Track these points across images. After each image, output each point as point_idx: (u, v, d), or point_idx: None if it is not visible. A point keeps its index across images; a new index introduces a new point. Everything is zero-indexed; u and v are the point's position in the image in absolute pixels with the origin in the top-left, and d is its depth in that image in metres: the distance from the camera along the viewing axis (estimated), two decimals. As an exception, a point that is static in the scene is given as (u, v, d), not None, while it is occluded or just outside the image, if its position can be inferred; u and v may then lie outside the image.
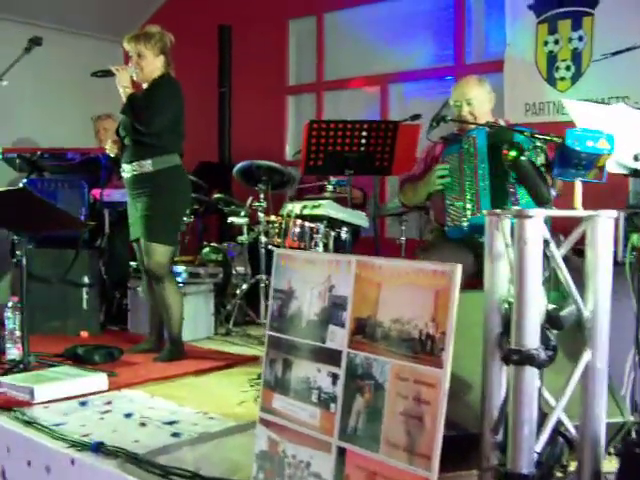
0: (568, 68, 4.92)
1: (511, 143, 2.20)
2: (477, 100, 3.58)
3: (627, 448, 2.02)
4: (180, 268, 4.67)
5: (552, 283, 1.94)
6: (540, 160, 2.37)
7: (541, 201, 2.14)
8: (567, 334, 1.96)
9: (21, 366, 3.47)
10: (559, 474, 1.97)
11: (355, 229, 4.12)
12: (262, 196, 4.83)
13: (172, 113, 3.85)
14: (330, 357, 2.00)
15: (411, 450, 1.78)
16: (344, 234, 3.73)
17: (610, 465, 2.10)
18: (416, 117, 4.59)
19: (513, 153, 2.13)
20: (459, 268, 1.74)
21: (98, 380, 3.33)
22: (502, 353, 1.90)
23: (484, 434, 1.96)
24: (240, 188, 5.44)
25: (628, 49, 3.50)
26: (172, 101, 3.87)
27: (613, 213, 1.92)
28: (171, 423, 2.84)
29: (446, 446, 1.73)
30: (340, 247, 3.86)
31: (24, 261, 3.55)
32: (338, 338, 1.98)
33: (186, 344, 4.15)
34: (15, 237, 3.64)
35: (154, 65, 3.88)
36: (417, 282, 1.82)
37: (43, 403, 3.07)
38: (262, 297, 4.81)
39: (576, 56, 4.87)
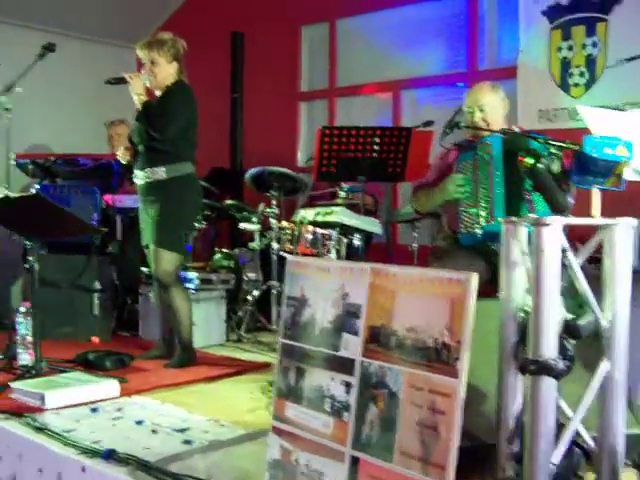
0: (582, 74, 4.89)
1: (528, 150, 2.18)
2: (490, 106, 3.55)
3: (646, 460, 2.00)
4: (192, 274, 4.66)
5: (569, 292, 1.91)
6: (556, 167, 2.34)
7: (558, 208, 2.12)
8: (583, 343, 1.93)
9: (33, 372, 3.47)
10: (576, 486, 1.94)
11: (367, 236, 4.10)
12: (274, 202, 4.82)
13: (186, 120, 3.85)
14: (343, 365, 1.97)
15: (425, 460, 1.75)
16: (357, 241, 3.72)
17: (628, 477, 2.06)
18: (429, 123, 4.58)
19: (530, 160, 2.10)
20: (475, 277, 1.71)
21: (109, 386, 3.32)
22: (518, 363, 1.88)
23: (499, 444, 1.94)
24: (251, 194, 5.44)
25: (642, 55, 3.48)
26: (186, 108, 3.86)
27: (633, 221, 1.89)
28: (182, 430, 2.83)
29: (460, 456, 1.71)
30: (353, 254, 3.84)
31: (36, 266, 3.54)
32: (352, 346, 1.96)
33: (197, 351, 4.13)
34: (27, 242, 3.64)
35: (167, 72, 3.87)
36: (432, 290, 1.80)
37: (54, 409, 3.06)
38: (274, 303, 4.80)
39: (590, 62, 4.84)
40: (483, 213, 3.34)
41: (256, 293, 4.94)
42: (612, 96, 4.64)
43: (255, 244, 4.99)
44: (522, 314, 1.90)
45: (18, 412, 2.98)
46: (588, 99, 4.79)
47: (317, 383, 2.05)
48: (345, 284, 2.01)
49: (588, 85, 4.87)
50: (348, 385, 1.96)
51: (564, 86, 4.97)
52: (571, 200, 2.14)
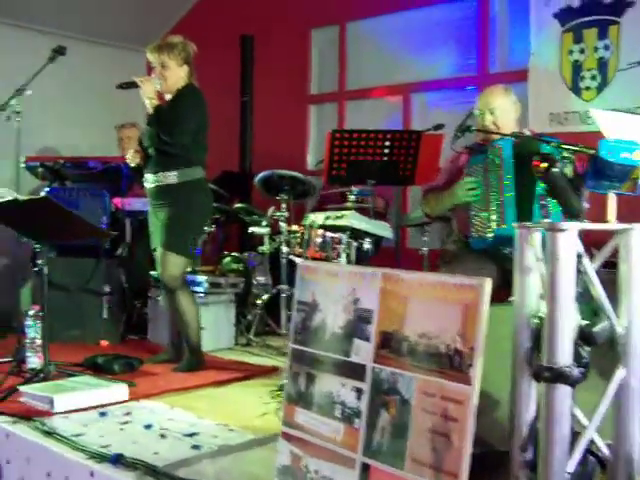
0: (594, 77, 4.85)
1: (542, 154, 2.15)
2: (501, 110, 3.53)
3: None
4: (201, 278, 4.65)
5: (583, 298, 1.88)
6: (568, 171, 2.32)
7: (573, 213, 2.08)
8: (598, 349, 1.91)
9: (41, 375, 3.46)
10: (590, 495, 1.91)
11: (377, 239, 4.07)
12: (284, 206, 4.80)
13: (197, 124, 3.85)
14: (354, 371, 1.96)
15: (437, 467, 1.73)
16: (367, 245, 3.69)
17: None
18: (439, 127, 4.55)
19: (544, 164, 2.07)
20: (488, 282, 1.69)
21: (118, 390, 3.31)
22: (532, 369, 1.85)
23: (513, 452, 1.91)
24: (261, 197, 5.43)
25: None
26: (197, 112, 3.86)
27: (650, 226, 1.87)
28: (191, 435, 2.81)
29: (472, 463, 1.68)
30: (362, 258, 3.81)
31: (45, 270, 3.54)
32: (363, 352, 1.94)
33: (206, 354, 4.12)
34: (36, 246, 3.64)
35: (178, 75, 3.87)
36: (445, 296, 1.77)
37: (63, 413, 3.05)
38: (283, 307, 4.78)
39: (602, 65, 4.81)
40: (494, 217, 3.32)
41: (265, 297, 4.93)
42: (624, 99, 4.61)
43: (264, 248, 4.98)
44: (536, 320, 1.88)
45: (27, 416, 2.97)
46: (600, 102, 4.75)
47: (327, 389, 2.03)
48: (356, 289, 2.00)
49: (600, 88, 4.83)
50: (359, 391, 1.94)
51: (575, 89, 4.94)
52: (586, 205, 2.12)
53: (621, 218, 1.99)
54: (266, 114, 6.51)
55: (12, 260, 4.98)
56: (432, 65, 5.83)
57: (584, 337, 1.80)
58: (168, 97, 3.92)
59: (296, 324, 2.16)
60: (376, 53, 6.14)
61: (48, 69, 3.92)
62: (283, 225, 4.63)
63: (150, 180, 3.91)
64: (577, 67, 4.93)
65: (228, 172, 6.28)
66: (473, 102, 3.72)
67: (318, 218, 3.61)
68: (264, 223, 4.94)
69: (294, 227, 3.87)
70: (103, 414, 3.09)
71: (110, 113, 6.29)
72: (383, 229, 3.81)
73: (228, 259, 5.27)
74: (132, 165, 4.00)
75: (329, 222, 3.56)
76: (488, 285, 1.69)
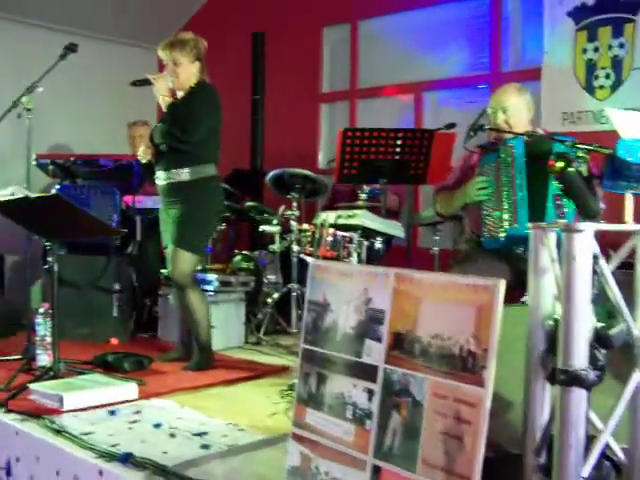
0: (608, 76, 4.80)
1: (558, 153, 2.12)
2: (513, 108, 3.50)
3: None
4: (211, 276, 4.64)
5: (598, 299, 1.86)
6: (583, 171, 2.28)
7: (590, 214, 2.05)
8: (613, 352, 1.88)
9: (51, 373, 3.45)
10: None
11: (388, 238, 4.05)
12: (295, 204, 4.79)
13: (211, 122, 3.83)
14: (366, 372, 1.94)
15: (449, 470, 1.71)
16: (378, 244, 3.67)
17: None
18: (451, 126, 4.51)
19: (560, 164, 2.04)
20: (503, 283, 1.67)
21: (128, 389, 3.30)
22: (546, 372, 1.82)
23: (526, 456, 1.89)
24: (272, 196, 5.41)
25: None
26: (211, 109, 3.85)
27: (667, 227, 1.83)
28: (200, 434, 2.80)
29: (484, 467, 1.66)
30: (373, 257, 3.79)
31: (55, 267, 3.54)
32: (374, 353, 1.92)
33: (216, 353, 4.11)
34: (47, 243, 3.63)
35: (190, 72, 3.86)
36: (458, 297, 1.75)
37: (72, 411, 3.04)
38: (293, 306, 4.77)
39: (616, 64, 4.76)
40: (506, 216, 3.29)
41: (276, 296, 4.92)
42: (639, 98, 4.55)
43: (275, 246, 4.97)
44: (550, 322, 1.85)
45: (36, 414, 2.97)
46: (614, 101, 4.70)
47: (338, 390, 2.01)
48: (368, 289, 1.97)
49: (614, 87, 4.78)
50: (370, 392, 1.92)
51: (589, 88, 4.89)
52: (602, 205, 2.08)
53: (638, 219, 1.95)
54: (277, 112, 6.50)
55: (22, 257, 4.99)
56: (444, 63, 5.79)
57: (600, 340, 1.77)
58: (180, 94, 3.91)
59: (307, 324, 2.14)
60: (388, 51, 6.10)
61: (59, 66, 3.92)
62: (294, 224, 4.61)
63: (162, 177, 3.90)
64: (591, 66, 4.88)
65: (239, 170, 6.27)
66: (485, 101, 3.69)
67: (329, 217, 3.59)
68: (275, 222, 4.92)
69: (305, 226, 3.85)
70: (112, 413, 3.08)
71: (121, 111, 6.29)
72: (395, 228, 3.79)
73: (239, 258, 5.26)
74: (143, 162, 4.00)
75: (340, 221, 3.54)
76: (502, 286, 1.67)
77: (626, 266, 1.92)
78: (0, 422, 2.96)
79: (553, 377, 1.78)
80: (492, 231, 3.33)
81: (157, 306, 4.90)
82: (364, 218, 3.56)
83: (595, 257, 1.76)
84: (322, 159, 6.49)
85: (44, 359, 3.65)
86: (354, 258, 3.54)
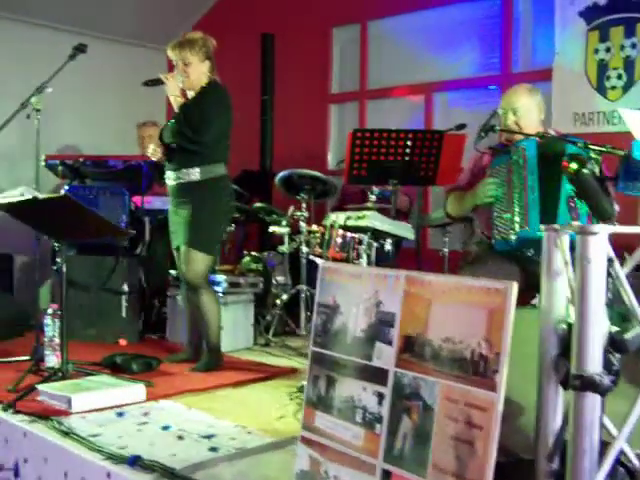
0: (620, 77, 4.77)
1: (571, 155, 2.09)
2: (524, 109, 3.46)
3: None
4: (220, 277, 4.63)
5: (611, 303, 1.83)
6: (596, 172, 2.25)
7: (604, 216, 2.02)
8: (628, 356, 1.85)
9: (59, 374, 3.45)
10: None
11: (398, 240, 4.03)
12: (304, 205, 4.78)
13: (222, 122, 3.83)
14: (376, 376, 1.91)
15: (460, 476, 1.69)
16: (388, 246, 3.65)
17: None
18: (461, 127, 4.49)
19: (574, 165, 2.01)
20: (515, 286, 1.64)
21: (136, 390, 3.29)
22: (559, 376, 1.80)
23: (538, 462, 1.86)
24: (281, 197, 5.40)
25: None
26: (222, 109, 3.84)
27: (684, 230, 1.80)
28: (209, 437, 2.78)
29: (496, 472, 1.63)
30: (383, 258, 3.77)
31: (64, 268, 3.54)
32: (385, 356, 1.90)
33: (225, 355, 4.10)
34: (56, 244, 3.63)
35: (200, 71, 3.85)
36: (470, 300, 1.73)
37: (80, 413, 3.04)
38: (302, 307, 4.75)
39: (628, 64, 4.72)
40: (517, 219, 3.26)
41: (285, 297, 4.90)
42: (651, 99, 4.53)
43: (284, 247, 4.95)
44: (563, 326, 1.82)
45: (44, 415, 2.96)
46: (626, 102, 4.66)
47: (348, 393, 1.99)
48: (379, 292, 1.95)
49: (626, 88, 4.74)
50: (381, 396, 1.90)
51: (600, 89, 4.86)
52: (617, 207, 2.05)
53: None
54: (287, 113, 6.49)
55: (31, 258, 4.99)
56: (454, 64, 5.76)
57: (615, 344, 1.74)
58: (191, 94, 3.90)
59: (316, 327, 2.12)
60: (397, 52, 6.08)
61: (69, 67, 3.91)
62: (303, 225, 4.59)
63: (172, 177, 3.89)
64: (603, 66, 4.84)
65: (248, 171, 6.26)
66: (496, 102, 3.66)
67: (339, 218, 3.58)
68: (284, 223, 4.91)
69: (314, 227, 3.84)
70: (121, 414, 3.07)
71: (130, 111, 6.30)
72: (405, 230, 3.77)
73: (247, 259, 5.25)
74: (154, 159, 3.98)
75: (350, 222, 3.52)
76: (515, 289, 1.64)
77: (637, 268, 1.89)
78: (8, 423, 2.96)
79: (566, 382, 1.75)
80: (503, 233, 3.30)
81: (166, 307, 4.90)
82: (374, 219, 3.54)
83: (610, 260, 1.73)
84: (331, 160, 6.48)
85: (52, 360, 3.64)
86: (364, 260, 3.52)
